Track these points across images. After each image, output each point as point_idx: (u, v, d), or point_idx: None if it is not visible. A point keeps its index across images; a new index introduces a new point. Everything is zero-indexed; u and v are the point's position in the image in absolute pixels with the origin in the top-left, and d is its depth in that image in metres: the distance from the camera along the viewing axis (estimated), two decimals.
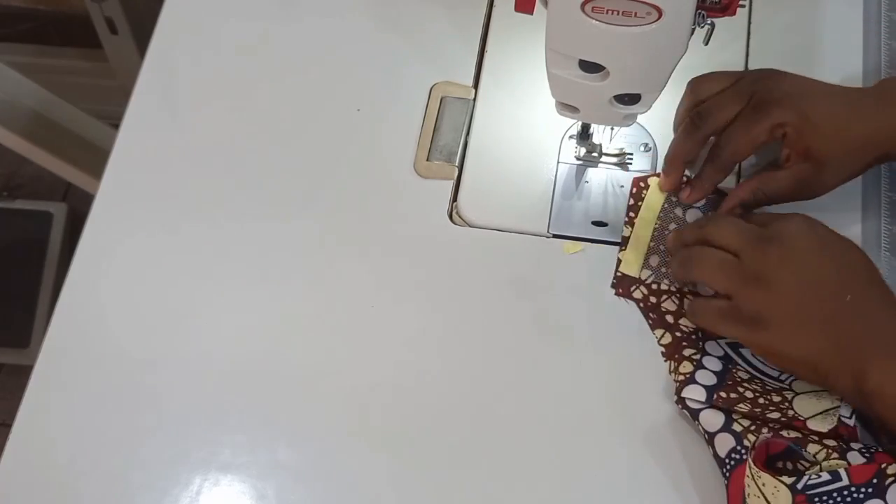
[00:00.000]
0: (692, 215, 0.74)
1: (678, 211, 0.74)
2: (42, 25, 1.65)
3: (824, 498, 0.58)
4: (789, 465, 0.62)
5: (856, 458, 0.61)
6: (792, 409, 0.64)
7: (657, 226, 0.73)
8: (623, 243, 0.73)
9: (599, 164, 0.78)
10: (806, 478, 0.59)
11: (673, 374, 0.68)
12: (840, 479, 0.58)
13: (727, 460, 0.64)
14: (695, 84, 0.73)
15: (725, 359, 0.68)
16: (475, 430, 0.68)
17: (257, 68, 0.83)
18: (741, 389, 0.66)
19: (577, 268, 0.73)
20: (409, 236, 0.75)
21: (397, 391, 0.70)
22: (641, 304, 0.72)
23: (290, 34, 0.84)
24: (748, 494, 0.61)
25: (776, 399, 0.65)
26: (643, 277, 0.72)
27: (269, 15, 0.85)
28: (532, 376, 0.70)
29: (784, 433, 0.63)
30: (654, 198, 0.74)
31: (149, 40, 0.84)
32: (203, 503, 0.67)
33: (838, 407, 0.63)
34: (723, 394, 0.65)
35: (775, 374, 0.67)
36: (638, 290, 0.72)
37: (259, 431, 0.69)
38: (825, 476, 0.58)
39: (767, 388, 0.66)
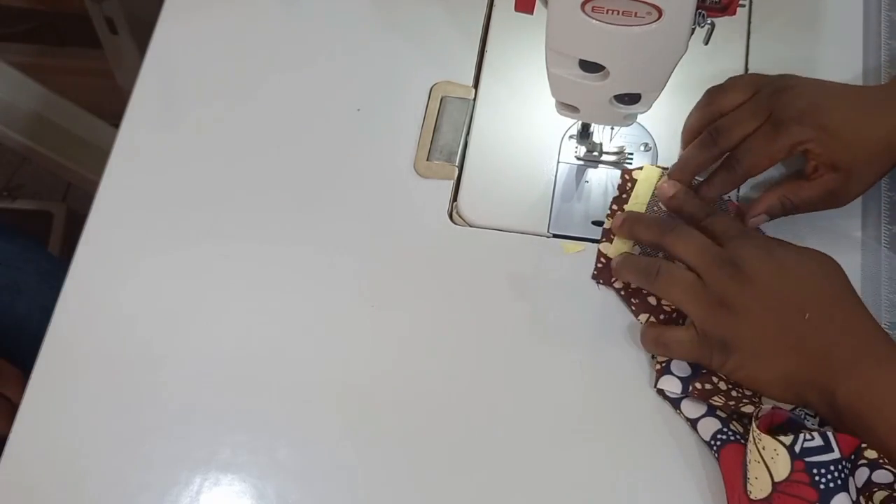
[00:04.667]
0: None
1: (662, 205, 0.74)
2: (42, 25, 1.65)
3: (822, 470, 0.59)
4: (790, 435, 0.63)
5: None
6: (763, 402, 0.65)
7: None
8: (604, 234, 0.74)
9: (599, 164, 0.78)
10: (802, 438, 0.59)
11: (653, 363, 0.69)
12: (832, 450, 0.59)
13: (713, 442, 0.65)
14: (712, 95, 0.73)
15: None
16: (475, 429, 0.68)
17: (257, 68, 0.83)
18: (716, 379, 0.67)
19: (577, 268, 0.73)
20: (409, 236, 0.75)
21: (397, 391, 0.70)
22: (622, 293, 0.72)
23: (291, 34, 0.84)
24: (749, 461, 0.61)
25: (749, 392, 0.66)
26: None
27: (270, 15, 0.85)
28: (531, 376, 0.70)
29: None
30: (643, 190, 0.75)
31: (149, 40, 0.84)
32: (203, 503, 0.67)
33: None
34: (698, 385, 0.66)
35: None
36: (619, 280, 0.72)
37: (259, 431, 0.69)
38: (818, 440, 0.59)
39: None
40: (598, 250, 0.73)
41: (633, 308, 0.71)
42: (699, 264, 0.66)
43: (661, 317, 0.70)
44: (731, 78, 0.74)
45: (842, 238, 0.73)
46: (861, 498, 0.60)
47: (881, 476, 0.60)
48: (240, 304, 0.73)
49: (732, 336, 0.64)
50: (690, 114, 0.74)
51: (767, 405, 0.64)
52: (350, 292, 0.73)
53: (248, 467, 0.68)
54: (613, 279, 0.72)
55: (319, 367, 0.71)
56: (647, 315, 0.71)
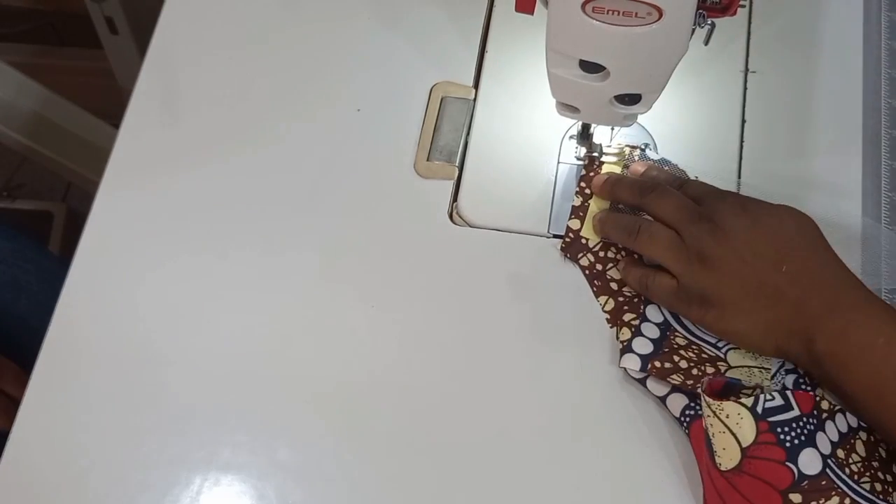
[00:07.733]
0: None
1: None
2: (42, 25, 1.65)
3: (785, 429, 0.60)
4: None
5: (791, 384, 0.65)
6: None
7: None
8: (573, 212, 0.75)
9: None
10: (762, 399, 0.60)
11: (618, 342, 0.70)
12: (792, 409, 0.60)
13: (682, 418, 0.66)
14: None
15: (664, 325, 0.70)
16: (475, 429, 0.68)
17: (257, 68, 0.83)
18: (676, 358, 0.67)
19: (576, 268, 0.73)
20: (409, 236, 0.75)
21: (397, 391, 0.70)
22: (587, 272, 0.73)
23: (290, 34, 0.84)
24: (712, 434, 0.62)
25: (710, 371, 0.67)
26: (591, 245, 0.73)
27: (269, 15, 0.85)
28: (532, 376, 0.70)
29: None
30: (612, 168, 0.77)
31: (149, 40, 0.84)
32: (203, 503, 0.67)
33: (765, 388, 0.65)
34: (657, 363, 0.67)
35: (713, 340, 0.69)
36: (585, 258, 0.73)
37: (259, 431, 0.69)
38: (778, 400, 0.61)
39: (704, 356, 0.67)
40: (567, 226, 0.74)
41: (595, 290, 0.72)
42: (677, 221, 0.68)
43: (621, 299, 0.71)
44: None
45: (841, 238, 0.73)
46: (840, 450, 0.61)
47: (844, 423, 0.62)
48: (240, 303, 0.73)
49: (711, 290, 0.66)
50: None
51: (708, 376, 0.65)
52: (350, 293, 0.73)
53: (248, 467, 0.68)
54: (579, 255, 0.73)
55: (319, 368, 0.71)
56: (607, 297, 0.72)
